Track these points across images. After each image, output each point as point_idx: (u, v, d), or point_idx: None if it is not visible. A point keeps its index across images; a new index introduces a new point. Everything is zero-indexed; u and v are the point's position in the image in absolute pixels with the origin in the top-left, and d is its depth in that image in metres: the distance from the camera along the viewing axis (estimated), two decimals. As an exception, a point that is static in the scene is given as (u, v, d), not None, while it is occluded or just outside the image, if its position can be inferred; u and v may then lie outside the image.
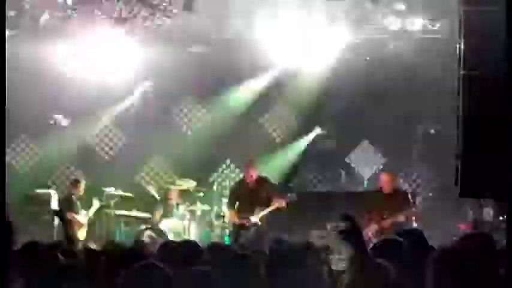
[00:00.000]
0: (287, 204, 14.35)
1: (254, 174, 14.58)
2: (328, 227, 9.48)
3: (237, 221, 14.38)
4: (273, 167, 16.97)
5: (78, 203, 15.64)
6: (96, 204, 15.92)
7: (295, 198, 14.40)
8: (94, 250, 6.24)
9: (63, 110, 17.41)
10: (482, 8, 10.80)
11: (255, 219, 14.27)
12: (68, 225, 15.39)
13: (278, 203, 14.31)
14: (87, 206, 15.81)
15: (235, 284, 5.09)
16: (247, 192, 14.48)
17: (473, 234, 5.69)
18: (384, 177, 14.10)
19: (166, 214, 15.73)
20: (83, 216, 15.58)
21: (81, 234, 15.40)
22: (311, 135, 17.63)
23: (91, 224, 15.85)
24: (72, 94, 16.78)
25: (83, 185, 15.84)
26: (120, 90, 17.33)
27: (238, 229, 14.33)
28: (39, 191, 16.79)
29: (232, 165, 17.82)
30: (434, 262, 4.27)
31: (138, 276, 4.33)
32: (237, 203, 14.51)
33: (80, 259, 6.29)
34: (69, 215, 15.39)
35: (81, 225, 15.47)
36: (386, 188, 13.86)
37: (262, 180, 14.64)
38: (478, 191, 11.34)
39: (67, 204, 15.58)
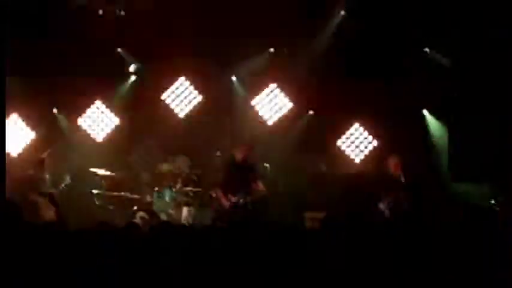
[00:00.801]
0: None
1: (245, 156, 14.65)
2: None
3: (224, 201, 14.41)
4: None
5: (42, 182, 15.59)
6: (66, 180, 15.88)
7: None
8: (87, 231, 6.25)
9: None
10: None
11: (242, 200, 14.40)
12: (32, 206, 15.23)
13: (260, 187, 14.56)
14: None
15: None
16: (236, 174, 14.53)
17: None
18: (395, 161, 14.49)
19: (159, 195, 15.77)
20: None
21: (49, 214, 15.29)
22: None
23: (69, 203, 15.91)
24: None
25: (47, 162, 15.80)
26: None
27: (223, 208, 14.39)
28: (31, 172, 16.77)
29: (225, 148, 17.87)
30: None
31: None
32: (223, 181, 14.55)
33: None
34: (32, 196, 15.27)
35: (46, 205, 15.34)
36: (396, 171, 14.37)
37: (251, 164, 14.75)
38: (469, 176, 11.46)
39: (28, 185, 15.50)
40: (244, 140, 15.37)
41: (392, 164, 14.51)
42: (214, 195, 14.67)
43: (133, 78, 17.85)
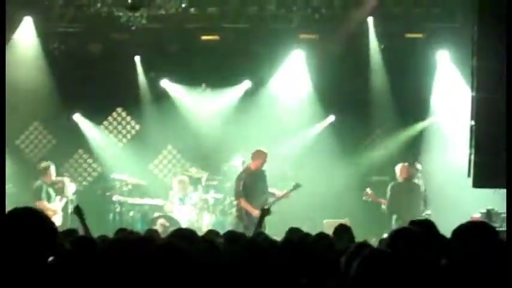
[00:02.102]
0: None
1: (260, 163, 14.63)
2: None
3: (250, 209, 14.37)
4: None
5: (51, 189, 15.62)
6: (70, 189, 15.91)
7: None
8: (108, 239, 6.27)
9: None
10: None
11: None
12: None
13: (281, 194, 14.61)
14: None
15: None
16: (253, 181, 14.52)
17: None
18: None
19: (179, 202, 15.80)
20: (56, 203, 15.54)
21: (56, 221, 15.15)
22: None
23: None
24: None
25: (52, 171, 15.70)
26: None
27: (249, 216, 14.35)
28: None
29: (246, 154, 17.83)
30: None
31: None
32: (243, 190, 14.50)
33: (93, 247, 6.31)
34: (39, 204, 14.98)
35: (54, 212, 15.20)
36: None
37: (263, 171, 14.73)
38: (490, 182, 11.38)
39: (35, 193, 15.41)
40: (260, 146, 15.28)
41: (398, 171, 14.77)
42: (240, 204, 14.56)
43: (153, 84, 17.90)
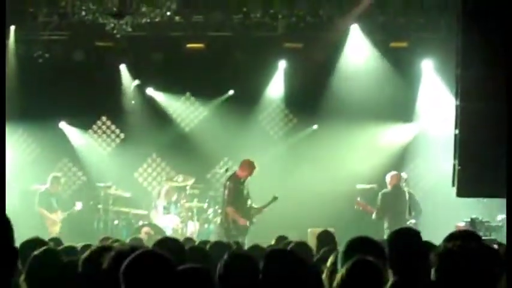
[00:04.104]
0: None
1: (248, 173, 14.62)
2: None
3: (237, 217, 14.35)
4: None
5: (54, 200, 15.74)
6: (78, 206, 16.03)
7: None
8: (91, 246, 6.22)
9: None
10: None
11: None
12: (40, 220, 15.65)
13: (258, 207, 14.74)
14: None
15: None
16: (240, 190, 14.51)
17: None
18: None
19: (164, 211, 15.77)
20: (57, 214, 15.74)
21: (53, 230, 15.44)
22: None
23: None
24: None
25: (61, 182, 16.14)
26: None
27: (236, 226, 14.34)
28: (36, 186, 16.78)
29: (230, 163, 17.83)
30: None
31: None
32: (233, 198, 14.46)
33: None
34: (40, 211, 15.71)
35: (53, 222, 15.65)
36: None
37: (247, 181, 14.75)
38: (474, 191, 11.41)
39: (38, 200, 15.82)
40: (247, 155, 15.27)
41: (389, 179, 14.93)
42: (227, 212, 14.53)
43: (138, 93, 17.88)
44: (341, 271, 4.88)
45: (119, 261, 4.25)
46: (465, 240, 4.88)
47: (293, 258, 5.01)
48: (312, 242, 9.05)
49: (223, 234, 14.13)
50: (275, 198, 14.67)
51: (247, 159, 14.87)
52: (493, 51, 11.20)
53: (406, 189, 14.83)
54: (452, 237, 5.25)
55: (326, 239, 8.84)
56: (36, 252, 5.73)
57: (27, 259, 5.63)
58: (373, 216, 14.82)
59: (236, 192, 14.48)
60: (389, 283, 5.20)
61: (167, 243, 6.10)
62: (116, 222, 16.21)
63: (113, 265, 4.35)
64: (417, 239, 5.86)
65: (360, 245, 5.30)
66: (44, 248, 5.98)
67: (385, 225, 14.55)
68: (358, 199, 15.14)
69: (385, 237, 6.65)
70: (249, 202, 14.62)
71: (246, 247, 10.30)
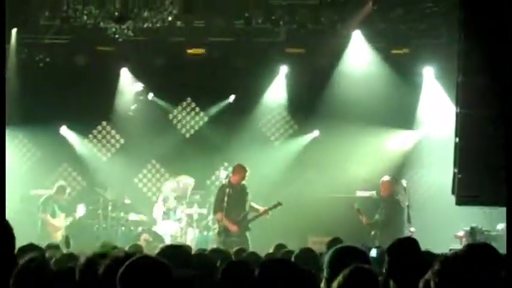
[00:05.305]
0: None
1: (240, 178, 14.57)
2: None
3: (229, 224, 14.28)
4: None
5: (56, 206, 15.72)
6: (80, 211, 15.99)
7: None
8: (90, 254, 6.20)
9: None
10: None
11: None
12: (42, 226, 15.62)
13: (262, 209, 14.53)
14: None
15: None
16: (233, 195, 14.44)
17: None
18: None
19: (163, 217, 15.72)
20: (60, 220, 15.72)
21: (57, 237, 15.38)
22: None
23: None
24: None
25: (66, 192, 16.11)
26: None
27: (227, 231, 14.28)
28: (36, 191, 16.77)
29: (230, 169, 17.80)
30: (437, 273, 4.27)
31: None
32: (224, 204, 14.38)
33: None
34: (43, 217, 15.62)
35: (56, 228, 15.62)
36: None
37: (243, 186, 14.64)
38: (474, 199, 11.38)
39: (42, 206, 15.75)
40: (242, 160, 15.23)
41: (381, 186, 14.98)
42: (219, 218, 14.46)
43: (138, 98, 17.87)
44: (338, 279, 4.85)
45: (115, 268, 4.24)
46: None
47: (289, 267, 4.98)
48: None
49: (219, 242, 14.09)
50: (279, 204, 14.55)
51: (238, 163, 14.82)
52: (493, 58, 11.18)
53: (403, 196, 14.74)
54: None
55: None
56: (21, 262, 5.68)
57: None
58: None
59: (229, 198, 14.37)
60: None
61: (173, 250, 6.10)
62: (115, 228, 16.17)
63: (109, 272, 4.34)
64: (416, 247, 5.85)
65: (345, 255, 5.25)
66: (30, 256, 5.93)
67: (372, 233, 14.60)
68: (355, 205, 15.05)
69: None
70: (246, 207, 14.47)
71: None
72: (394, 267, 5.54)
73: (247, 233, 14.32)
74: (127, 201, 16.56)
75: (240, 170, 14.61)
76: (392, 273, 5.48)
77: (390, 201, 14.67)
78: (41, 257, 6.17)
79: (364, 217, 14.77)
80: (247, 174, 14.53)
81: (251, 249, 11.08)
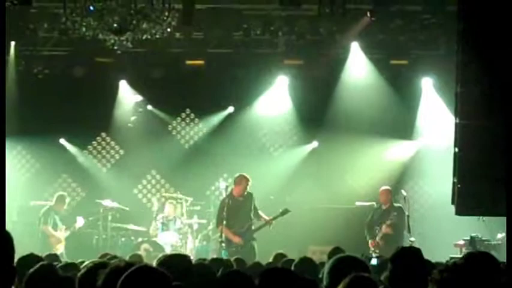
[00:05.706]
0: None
1: (242, 188, 14.53)
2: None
3: (231, 236, 14.25)
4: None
5: (57, 217, 15.70)
6: (80, 222, 15.95)
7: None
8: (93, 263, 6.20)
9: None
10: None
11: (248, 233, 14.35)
12: (44, 238, 15.58)
13: (268, 218, 14.46)
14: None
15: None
16: (235, 207, 14.41)
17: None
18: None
19: (163, 227, 15.70)
20: (61, 232, 15.69)
21: (58, 248, 15.33)
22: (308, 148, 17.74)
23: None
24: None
25: (66, 202, 16.01)
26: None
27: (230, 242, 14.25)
28: (36, 202, 16.76)
29: (229, 180, 17.79)
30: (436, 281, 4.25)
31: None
32: (225, 215, 14.33)
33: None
34: (44, 228, 15.54)
35: (57, 239, 15.56)
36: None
37: (248, 195, 14.59)
38: (474, 209, 11.36)
39: (43, 217, 15.66)
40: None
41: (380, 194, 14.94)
42: (221, 230, 14.40)
43: (138, 109, 17.88)
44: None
45: (114, 278, 4.22)
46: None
47: (289, 276, 4.98)
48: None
49: (219, 252, 14.05)
50: (286, 211, 14.48)
51: (239, 174, 14.78)
52: (492, 69, 11.20)
53: (403, 206, 14.73)
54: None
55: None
56: (32, 270, 5.68)
57: (23, 277, 5.58)
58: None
59: (231, 210, 14.33)
60: None
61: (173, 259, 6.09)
62: (115, 238, 16.16)
63: (108, 282, 4.33)
64: (419, 257, 5.85)
65: (345, 264, 5.25)
66: (40, 263, 5.94)
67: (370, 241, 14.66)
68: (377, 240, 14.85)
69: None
70: (252, 217, 14.43)
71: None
72: (397, 275, 5.53)
73: (254, 243, 14.27)
74: (127, 211, 16.53)
75: (241, 180, 14.59)
76: (394, 282, 5.47)
77: (393, 210, 14.64)
78: (49, 264, 6.18)
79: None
80: (249, 183, 14.50)
81: (257, 258, 11.06)
